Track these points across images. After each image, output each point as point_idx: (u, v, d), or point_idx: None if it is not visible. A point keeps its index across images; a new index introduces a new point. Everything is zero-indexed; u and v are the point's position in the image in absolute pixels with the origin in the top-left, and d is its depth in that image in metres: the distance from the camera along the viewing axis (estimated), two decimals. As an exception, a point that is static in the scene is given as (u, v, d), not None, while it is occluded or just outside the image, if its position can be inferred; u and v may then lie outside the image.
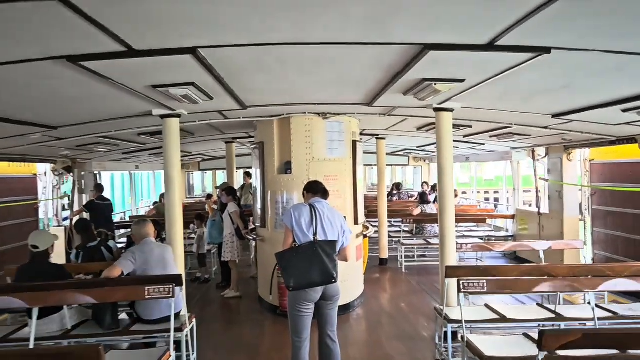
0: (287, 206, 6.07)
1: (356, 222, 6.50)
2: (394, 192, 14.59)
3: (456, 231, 10.87)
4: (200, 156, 13.84)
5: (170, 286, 3.82)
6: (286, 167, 6.23)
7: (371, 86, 4.23)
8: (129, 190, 14.88)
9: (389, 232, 9.92)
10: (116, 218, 11.94)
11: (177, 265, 4.89)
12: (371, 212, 10.64)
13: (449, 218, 5.20)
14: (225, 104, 5.00)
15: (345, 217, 6.18)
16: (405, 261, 9.05)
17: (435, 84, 3.71)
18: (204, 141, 9.28)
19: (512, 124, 6.20)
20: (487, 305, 4.65)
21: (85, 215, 9.15)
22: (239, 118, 6.07)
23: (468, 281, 3.80)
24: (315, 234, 3.73)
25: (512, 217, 10.10)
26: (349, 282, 6.34)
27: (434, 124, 6.85)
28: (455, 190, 13.78)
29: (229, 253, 7.22)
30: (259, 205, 6.73)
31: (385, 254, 9.50)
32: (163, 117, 5.00)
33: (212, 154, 13.55)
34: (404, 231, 10.14)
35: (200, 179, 19.77)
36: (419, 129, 7.66)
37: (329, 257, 3.69)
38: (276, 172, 6.29)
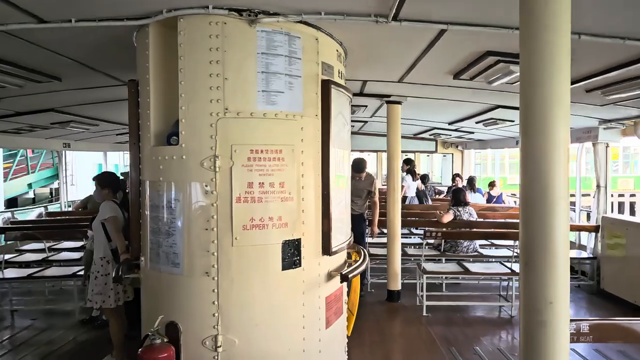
0: (174, 214, 2.77)
1: (327, 252, 3.11)
2: (415, 186, 11.03)
3: (485, 247, 7.37)
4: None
5: None
6: (172, 132, 2.88)
7: None
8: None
9: (402, 245, 6.46)
10: (31, 215, 8.99)
11: None
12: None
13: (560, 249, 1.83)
14: None
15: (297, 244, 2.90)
16: (428, 298, 5.61)
17: None
18: (109, 103, 5.80)
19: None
20: None
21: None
22: (70, 22, 2.82)
23: None
24: None
25: (596, 229, 6.47)
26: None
27: (493, 55, 3.44)
28: (493, 182, 10.09)
29: (99, 295, 3.92)
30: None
31: (396, 285, 6.04)
32: None
33: None
34: (428, 245, 6.67)
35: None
36: (456, 75, 4.21)
37: None
38: (152, 140, 2.95)
